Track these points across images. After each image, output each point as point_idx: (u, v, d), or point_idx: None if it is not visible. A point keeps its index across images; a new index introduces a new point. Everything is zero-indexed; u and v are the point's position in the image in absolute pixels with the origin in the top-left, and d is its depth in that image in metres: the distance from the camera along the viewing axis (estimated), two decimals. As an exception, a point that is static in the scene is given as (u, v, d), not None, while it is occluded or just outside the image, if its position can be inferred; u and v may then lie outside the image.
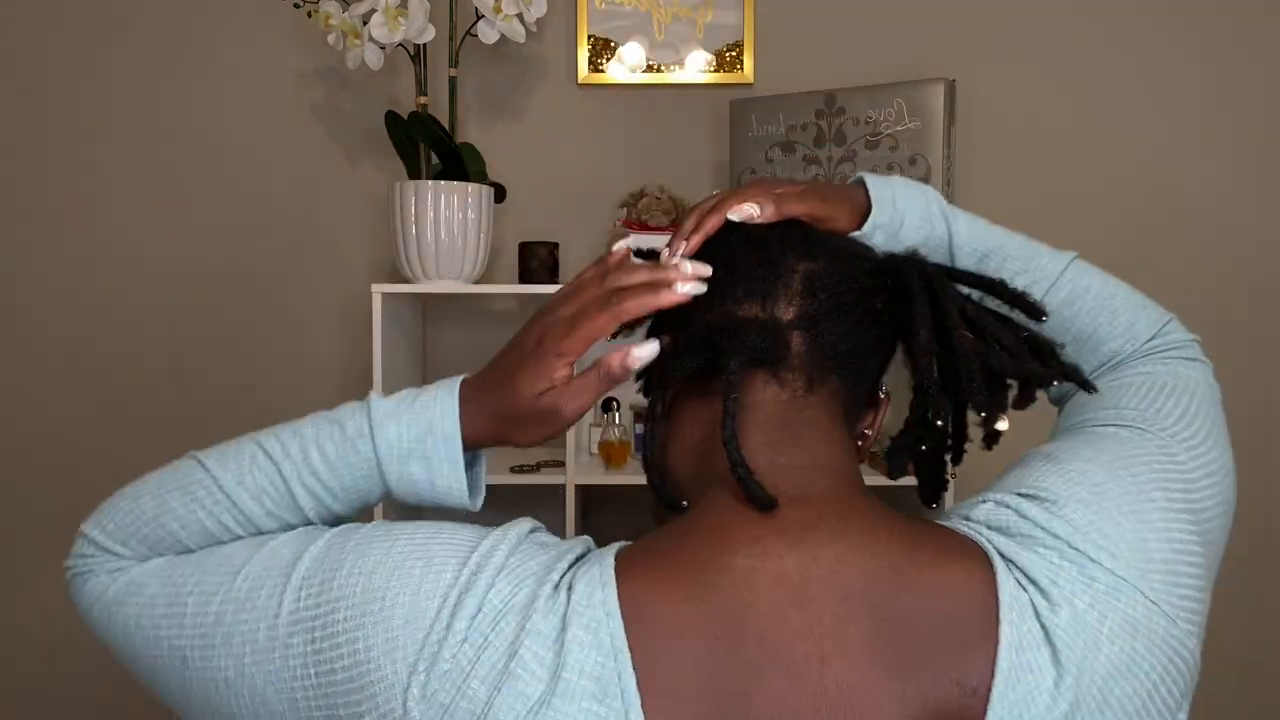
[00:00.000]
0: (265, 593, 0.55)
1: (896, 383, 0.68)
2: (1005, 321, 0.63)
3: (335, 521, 0.64)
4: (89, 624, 0.62)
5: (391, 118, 1.70)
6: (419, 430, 0.61)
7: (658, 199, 1.72)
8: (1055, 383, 0.61)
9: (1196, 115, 1.89)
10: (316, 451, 0.61)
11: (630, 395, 1.83)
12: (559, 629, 0.50)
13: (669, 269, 0.62)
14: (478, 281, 1.74)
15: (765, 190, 0.67)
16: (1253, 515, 1.83)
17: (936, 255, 0.71)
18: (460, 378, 0.64)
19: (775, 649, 0.51)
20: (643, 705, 0.49)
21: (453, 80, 1.75)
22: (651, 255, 0.69)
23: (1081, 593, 0.53)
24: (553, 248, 1.78)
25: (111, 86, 1.91)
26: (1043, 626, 0.52)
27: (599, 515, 1.91)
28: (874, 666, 0.51)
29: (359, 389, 1.90)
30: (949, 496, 1.65)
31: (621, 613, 0.51)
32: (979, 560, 0.55)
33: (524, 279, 1.77)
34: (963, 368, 0.59)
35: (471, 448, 0.63)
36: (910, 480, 0.68)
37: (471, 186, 1.66)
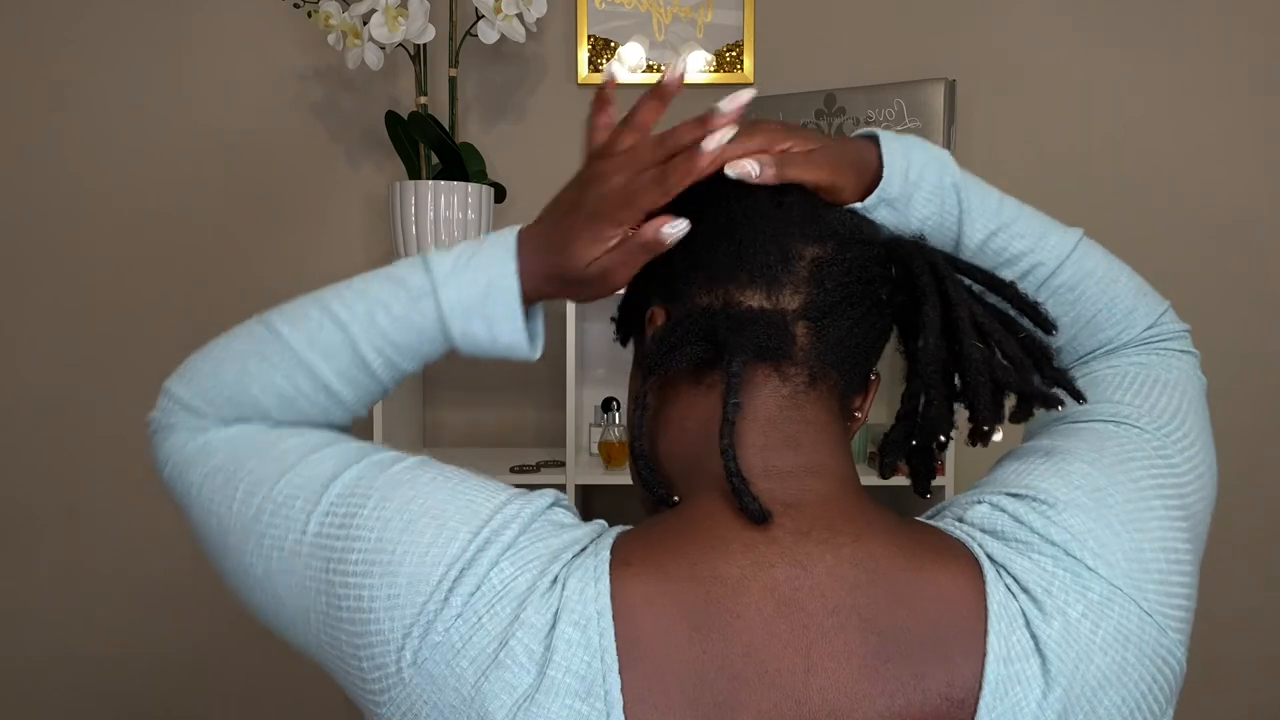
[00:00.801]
0: (299, 505, 0.57)
1: (882, 365, 0.68)
2: (1005, 323, 0.62)
3: (401, 378, 0.66)
4: (161, 479, 0.64)
5: (391, 118, 1.70)
6: (479, 290, 0.62)
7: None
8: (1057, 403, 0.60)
9: (1199, 114, 1.89)
10: (383, 312, 0.63)
11: (630, 395, 1.83)
12: (550, 624, 0.50)
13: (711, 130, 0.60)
14: (478, 281, 1.74)
15: (770, 140, 0.62)
16: (1260, 514, 1.83)
17: (943, 231, 0.68)
18: (516, 229, 0.64)
19: (762, 661, 0.51)
20: (625, 710, 0.49)
21: (453, 80, 1.75)
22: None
23: (1075, 601, 0.53)
24: (553, 248, 1.78)
25: (111, 86, 1.91)
26: (1033, 636, 0.52)
27: (599, 515, 1.90)
28: (860, 679, 0.51)
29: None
30: (949, 490, 1.65)
31: (613, 612, 0.51)
32: (969, 567, 0.54)
33: (524, 279, 1.77)
34: (972, 381, 0.59)
35: (532, 298, 0.64)
36: (902, 479, 0.68)
37: (471, 186, 1.66)
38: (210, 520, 0.60)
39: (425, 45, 1.73)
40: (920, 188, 0.66)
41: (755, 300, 0.59)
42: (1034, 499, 0.57)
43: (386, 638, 0.52)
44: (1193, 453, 0.62)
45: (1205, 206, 1.89)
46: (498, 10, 1.68)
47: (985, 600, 0.53)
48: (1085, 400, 0.62)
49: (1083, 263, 0.71)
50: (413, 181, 1.65)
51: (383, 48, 1.67)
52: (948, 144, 1.61)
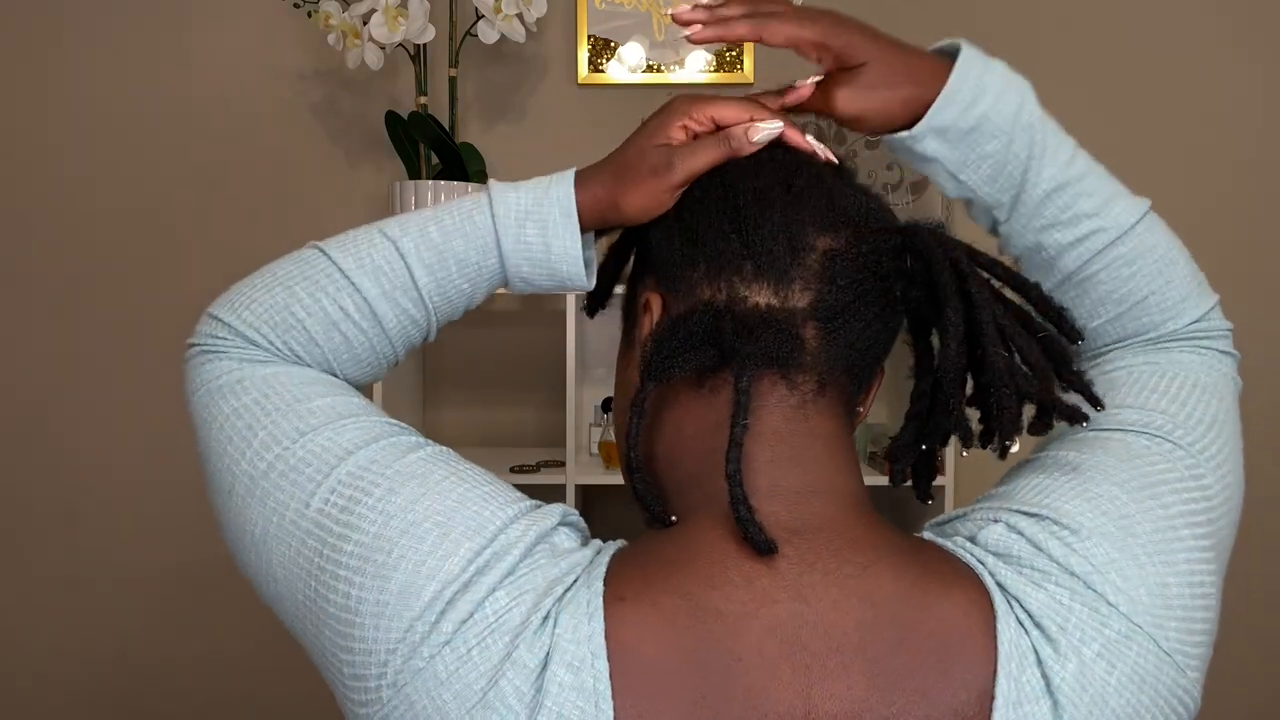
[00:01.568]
0: (308, 475, 0.54)
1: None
2: (1026, 323, 0.58)
3: (447, 316, 0.65)
4: (189, 404, 0.61)
5: (391, 118, 1.70)
6: (535, 195, 0.61)
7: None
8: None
9: (1197, 124, 1.89)
10: (435, 226, 0.61)
11: (630, 395, 1.83)
12: (541, 664, 0.48)
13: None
14: (478, 281, 1.74)
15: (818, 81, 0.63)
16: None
17: (1003, 176, 0.62)
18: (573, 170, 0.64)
19: (761, 705, 0.48)
20: None
21: (453, 80, 1.75)
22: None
23: (1092, 639, 0.49)
24: (553, 248, 1.78)
25: (111, 86, 1.91)
26: (1045, 676, 0.49)
27: (599, 515, 1.91)
28: None
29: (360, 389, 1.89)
30: (949, 490, 1.65)
31: (607, 653, 0.48)
32: (980, 599, 0.51)
33: (524, 279, 1.77)
34: (995, 392, 0.55)
35: (586, 216, 0.61)
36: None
37: (471, 186, 1.66)
38: (223, 460, 0.57)
39: (425, 45, 1.73)
40: (991, 118, 0.60)
41: (762, 297, 0.55)
42: (1055, 522, 0.53)
43: (370, 648, 0.49)
44: (1225, 470, 0.59)
45: (1206, 206, 1.89)
46: (498, 10, 1.68)
47: (995, 637, 0.49)
48: (1103, 406, 0.58)
49: (1145, 237, 0.65)
50: (413, 181, 1.65)
51: (383, 48, 1.67)
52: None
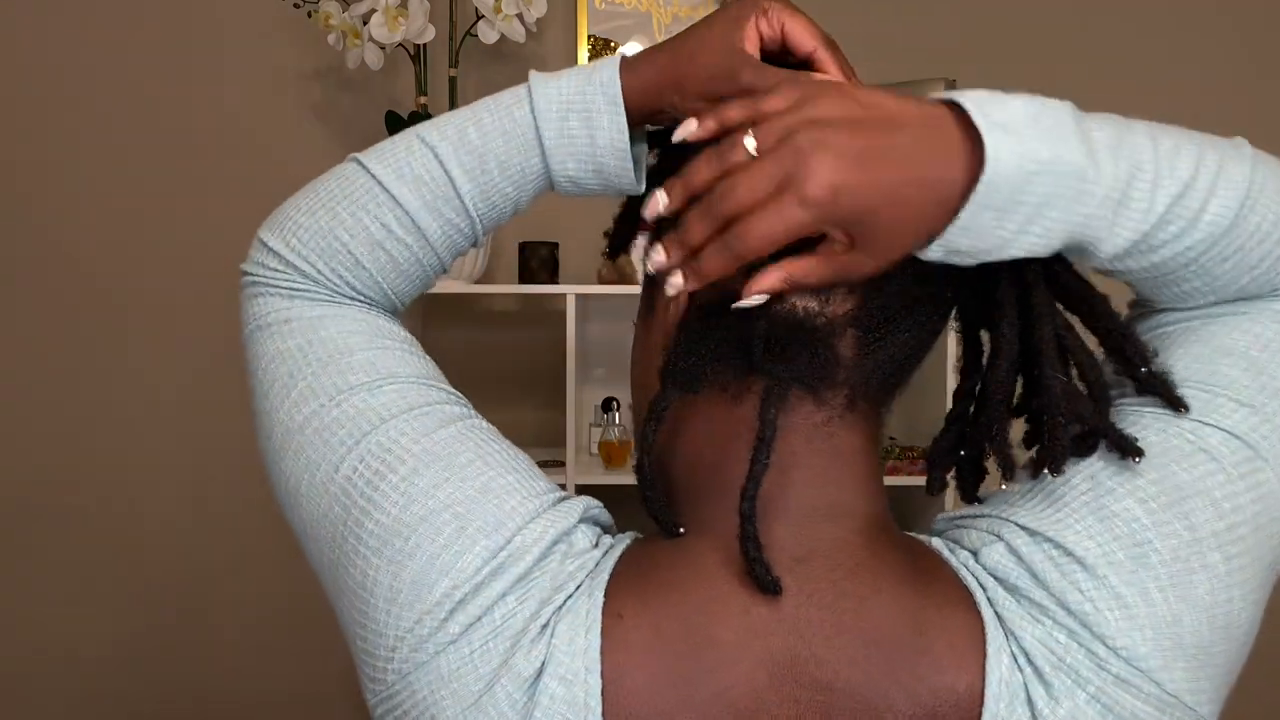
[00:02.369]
0: (340, 438, 0.53)
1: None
2: (1083, 334, 0.52)
3: (493, 222, 0.60)
4: (241, 335, 0.60)
5: (391, 118, 1.70)
6: (578, 83, 0.56)
7: (658, 199, 1.72)
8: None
9: (1196, 117, 1.89)
10: (473, 126, 0.57)
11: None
12: (535, 673, 0.48)
13: None
14: (478, 281, 1.74)
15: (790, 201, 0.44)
16: None
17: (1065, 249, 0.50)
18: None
19: None
20: None
21: (453, 80, 1.75)
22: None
23: (1087, 682, 0.47)
24: (553, 248, 1.78)
25: (110, 87, 1.91)
26: (1034, 718, 0.47)
27: (599, 515, 1.91)
28: None
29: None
30: (950, 492, 1.65)
31: (601, 670, 0.48)
32: (975, 632, 0.49)
33: (524, 279, 1.77)
34: (1048, 418, 0.50)
35: (636, 105, 0.55)
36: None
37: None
38: (267, 402, 0.56)
39: (425, 45, 1.73)
40: (1027, 234, 0.46)
41: (801, 298, 0.51)
42: (1058, 546, 0.49)
43: (381, 630, 0.50)
44: None
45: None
46: (498, 10, 1.68)
47: (985, 676, 0.48)
48: (1187, 409, 0.50)
49: (1248, 219, 0.50)
50: (413, 181, 1.65)
51: (383, 48, 1.67)
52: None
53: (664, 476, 0.58)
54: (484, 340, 1.94)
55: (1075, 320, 0.53)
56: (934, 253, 0.47)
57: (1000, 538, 0.51)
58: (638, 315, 0.61)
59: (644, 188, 0.58)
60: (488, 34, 1.71)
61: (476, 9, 1.71)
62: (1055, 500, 0.51)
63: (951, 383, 1.59)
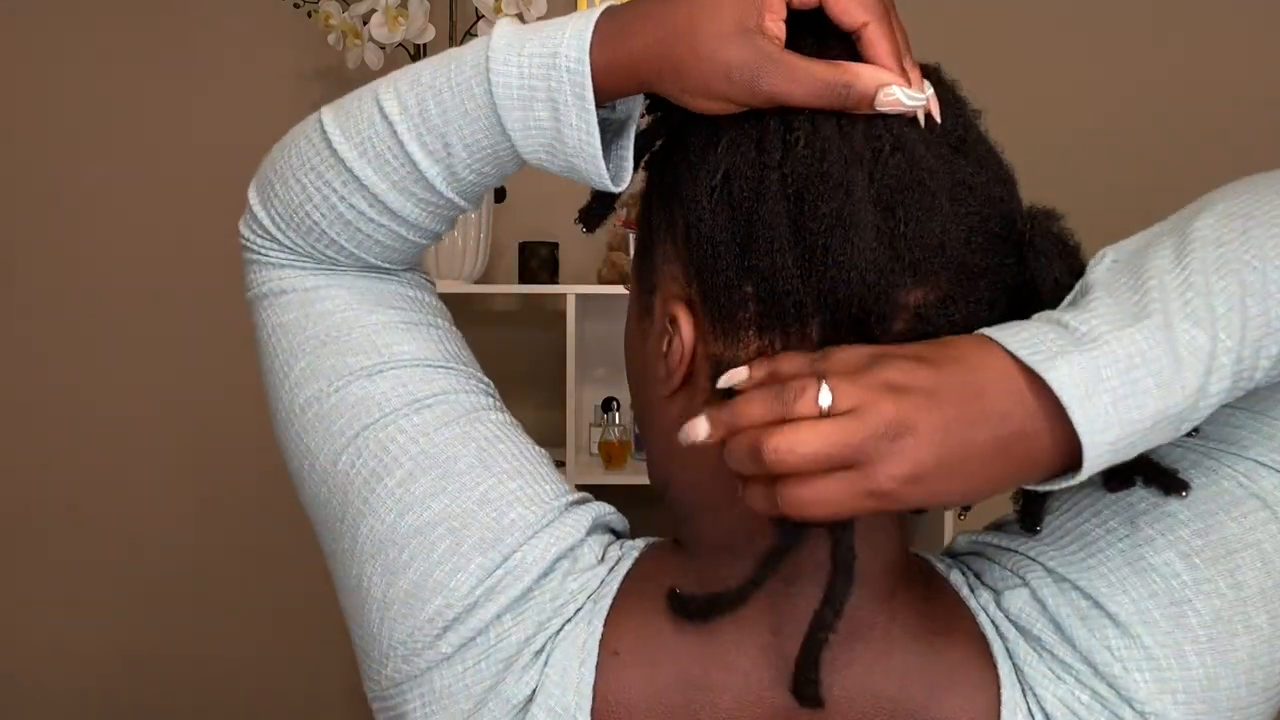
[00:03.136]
0: (339, 428, 0.51)
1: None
2: None
3: (477, 193, 0.52)
4: (245, 299, 0.56)
5: (391, 118, 1.70)
6: (542, 62, 0.45)
7: (658, 199, 1.72)
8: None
9: (1195, 117, 1.89)
10: (434, 102, 0.48)
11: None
12: (525, 700, 0.46)
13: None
14: (478, 281, 1.74)
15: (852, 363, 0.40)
16: None
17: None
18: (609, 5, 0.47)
19: None
20: None
21: (453, 80, 1.75)
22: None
23: None
24: (553, 248, 1.78)
25: (110, 88, 1.91)
26: None
27: (599, 515, 1.91)
28: None
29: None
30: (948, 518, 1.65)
31: (591, 709, 0.46)
32: (989, 686, 0.45)
33: (524, 279, 1.77)
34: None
35: (613, 85, 0.45)
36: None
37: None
38: (271, 376, 0.54)
39: (425, 45, 1.73)
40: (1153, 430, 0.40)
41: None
42: (1088, 597, 0.44)
43: (375, 634, 0.48)
44: None
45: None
46: (498, 10, 1.68)
47: None
48: (1188, 491, 0.45)
49: None
50: (413, 181, 1.65)
51: (383, 48, 1.67)
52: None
53: (674, 497, 0.53)
54: (484, 340, 1.92)
55: None
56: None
57: (1025, 582, 0.46)
58: (630, 314, 0.55)
59: (625, 185, 0.49)
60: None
61: (476, 9, 1.71)
62: (1089, 544, 0.46)
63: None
